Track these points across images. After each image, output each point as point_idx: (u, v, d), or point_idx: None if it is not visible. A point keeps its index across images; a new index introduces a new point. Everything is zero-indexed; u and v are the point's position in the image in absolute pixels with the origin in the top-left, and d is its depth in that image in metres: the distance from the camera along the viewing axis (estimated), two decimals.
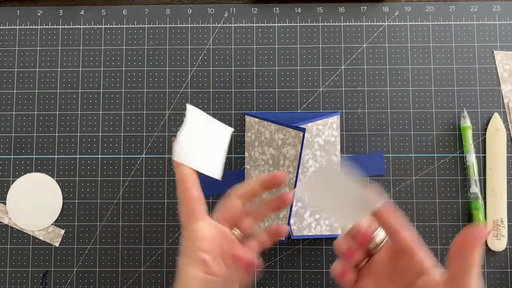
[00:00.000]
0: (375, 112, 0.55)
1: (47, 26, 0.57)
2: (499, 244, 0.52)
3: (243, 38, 0.56)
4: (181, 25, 0.57)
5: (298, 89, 0.55)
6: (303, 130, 0.48)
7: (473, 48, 0.56)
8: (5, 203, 0.54)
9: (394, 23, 0.56)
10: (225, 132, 0.41)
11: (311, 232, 0.52)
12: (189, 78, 0.56)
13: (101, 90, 0.56)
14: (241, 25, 0.56)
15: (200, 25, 0.57)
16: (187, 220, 0.37)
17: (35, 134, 0.55)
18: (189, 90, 0.56)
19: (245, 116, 0.55)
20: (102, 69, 0.56)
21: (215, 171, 0.39)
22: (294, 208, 0.52)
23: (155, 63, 0.56)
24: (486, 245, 0.53)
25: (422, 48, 0.56)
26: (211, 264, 0.36)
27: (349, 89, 0.55)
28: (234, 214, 0.39)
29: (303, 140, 0.48)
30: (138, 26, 0.57)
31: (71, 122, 0.55)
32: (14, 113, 0.56)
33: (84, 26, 0.57)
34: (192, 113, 0.39)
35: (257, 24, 0.57)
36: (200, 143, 0.39)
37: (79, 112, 0.55)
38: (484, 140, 0.54)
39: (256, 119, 0.53)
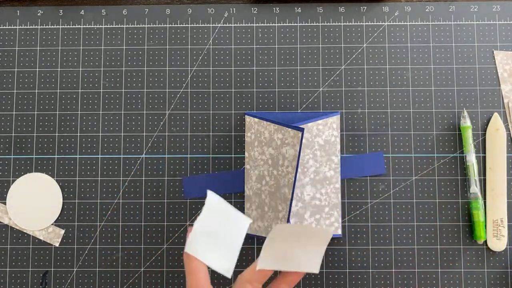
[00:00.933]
0: (375, 112, 0.55)
1: (47, 26, 0.57)
2: (499, 244, 0.52)
3: (243, 38, 0.56)
4: (181, 25, 0.57)
5: (298, 89, 0.56)
6: (302, 130, 0.48)
7: (473, 48, 0.56)
8: (5, 203, 0.54)
9: (394, 23, 0.56)
10: (242, 223, 0.38)
11: None
12: (189, 78, 0.56)
13: (101, 90, 0.56)
14: (241, 25, 0.57)
15: (200, 25, 0.57)
16: None
17: (35, 134, 0.55)
18: (189, 90, 0.56)
19: (245, 116, 0.55)
20: (102, 69, 0.56)
21: (227, 267, 0.36)
22: (294, 208, 0.52)
23: (155, 63, 0.56)
24: (486, 245, 0.53)
25: (422, 48, 0.56)
26: None
27: (349, 89, 0.55)
28: None
29: (301, 140, 0.48)
30: (138, 26, 0.57)
31: (71, 122, 0.55)
32: (14, 113, 0.56)
33: (84, 26, 0.57)
34: (212, 200, 0.37)
35: (257, 24, 0.57)
36: (215, 234, 0.37)
37: (79, 112, 0.55)
38: (484, 140, 0.54)
39: (256, 119, 0.53)
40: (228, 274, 0.36)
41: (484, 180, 0.54)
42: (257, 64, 0.56)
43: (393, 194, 0.54)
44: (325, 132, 0.53)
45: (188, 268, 0.37)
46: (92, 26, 0.57)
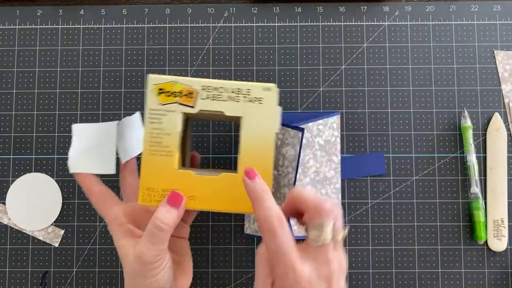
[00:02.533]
0: (375, 112, 0.55)
1: (47, 26, 0.57)
2: (499, 244, 0.52)
3: (243, 38, 0.56)
4: (181, 25, 0.56)
5: (298, 89, 0.55)
6: (302, 130, 0.48)
7: (474, 48, 0.55)
8: (4, 203, 0.54)
9: (395, 23, 0.56)
10: (111, 128, 0.43)
11: None
12: None
13: (101, 90, 0.56)
14: (241, 24, 0.56)
15: (200, 24, 0.56)
16: (102, 211, 0.42)
17: (35, 134, 0.55)
18: None
19: None
20: (102, 69, 0.56)
21: (109, 167, 0.43)
22: None
23: (155, 63, 0.56)
24: (487, 245, 0.53)
25: (422, 48, 0.56)
26: (131, 228, 0.40)
27: (349, 89, 0.55)
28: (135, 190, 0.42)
29: (301, 140, 0.48)
30: (138, 26, 0.57)
31: (71, 122, 0.55)
32: (14, 113, 0.56)
33: (84, 26, 0.57)
34: (76, 129, 0.43)
35: (257, 24, 0.56)
36: (90, 149, 0.43)
37: (78, 112, 0.55)
38: (484, 140, 0.54)
39: None
40: (111, 171, 0.43)
41: (485, 180, 0.54)
42: (257, 64, 0.56)
43: (393, 194, 0.54)
44: (325, 132, 0.53)
45: (79, 182, 0.43)
46: (92, 26, 0.57)
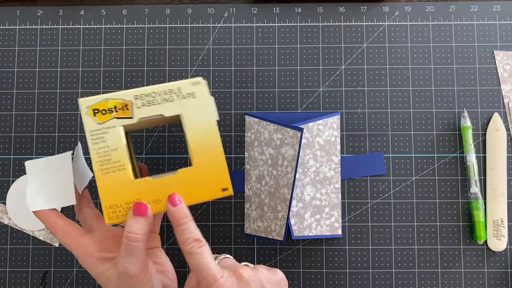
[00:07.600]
0: (375, 112, 0.55)
1: (47, 26, 0.57)
2: (499, 245, 0.52)
3: (243, 38, 0.56)
4: (181, 25, 0.57)
5: (298, 89, 0.55)
6: (301, 130, 0.48)
7: (473, 48, 0.55)
8: (5, 203, 0.54)
9: (394, 23, 0.56)
10: (65, 159, 0.42)
11: (312, 232, 0.52)
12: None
13: (101, 90, 0.56)
14: (241, 25, 0.56)
15: (200, 25, 0.57)
16: (69, 245, 0.41)
17: (35, 134, 0.55)
18: None
19: (245, 116, 0.55)
20: (102, 69, 0.56)
21: (69, 199, 0.42)
22: (294, 209, 0.52)
23: (155, 63, 0.56)
24: (486, 245, 0.53)
25: (422, 48, 0.56)
26: (103, 254, 0.40)
27: (349, 89, 0.55)
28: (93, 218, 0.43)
29: (300, 140, 0.48)
30: (138, 26, 0.57)
31: (71, 122, 0.55)
32: (14, 113, 0.56)
33: (84, 26, 0.57)
34: (29, 167, 0.42)
35: (257, 24, 0.56)
36: (47, 184, 0.42)
37: (78, 112, 0.55)
38: (484, 140, 0.54)
39: (256, 119, 0.53)
40: (72, 201, 0.42)
41: (484, 180, 0.54)
42: (257, 64, 0.56)
43: (393, 194, 0.54)
44: (325, 132, 0.53)
45: (40, 219, 0.41)
46: (92, 26, 0.57)
